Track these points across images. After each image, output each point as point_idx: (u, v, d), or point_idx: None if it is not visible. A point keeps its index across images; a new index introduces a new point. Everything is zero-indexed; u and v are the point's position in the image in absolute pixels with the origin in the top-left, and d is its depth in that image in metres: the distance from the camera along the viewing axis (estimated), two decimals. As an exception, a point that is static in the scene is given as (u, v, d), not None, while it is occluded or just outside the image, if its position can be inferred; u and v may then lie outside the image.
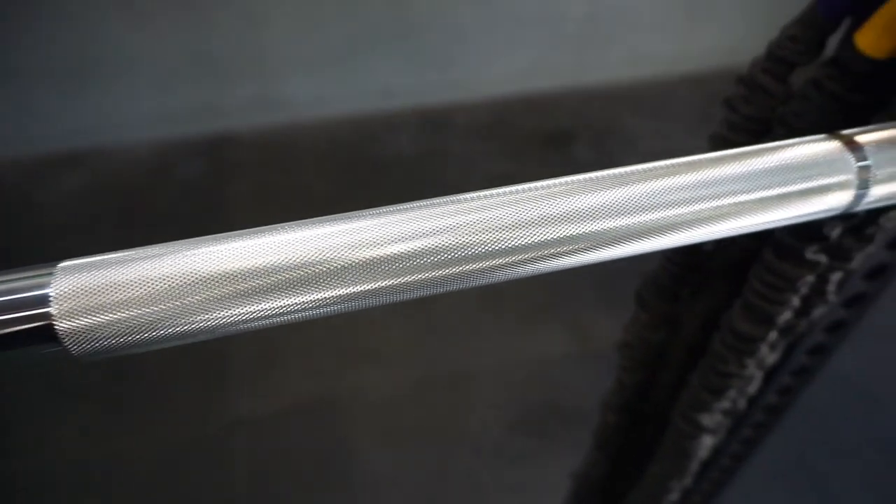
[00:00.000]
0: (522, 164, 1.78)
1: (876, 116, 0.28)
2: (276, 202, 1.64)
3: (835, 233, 0.31)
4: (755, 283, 0.34)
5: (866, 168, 0.22)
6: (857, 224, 0.32)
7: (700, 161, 0.22)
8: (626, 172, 0.21)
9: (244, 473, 1.10)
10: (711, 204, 0.21)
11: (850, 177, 0.22)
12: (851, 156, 0.22)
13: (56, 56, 1.63)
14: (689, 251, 0.40)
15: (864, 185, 0.22)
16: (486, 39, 1.92)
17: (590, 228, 0.20)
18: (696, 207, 0.21)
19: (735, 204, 0.21)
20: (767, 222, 0.23)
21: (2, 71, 1.58)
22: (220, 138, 1.82)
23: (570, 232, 0.20)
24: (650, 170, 0.21)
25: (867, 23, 0.28)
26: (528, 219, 0.20)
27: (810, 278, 0.33)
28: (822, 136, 0.23)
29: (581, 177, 0.21)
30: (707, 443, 0.45)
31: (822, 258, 0.32)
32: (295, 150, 1.82)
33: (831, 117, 0.31)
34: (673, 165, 0.21)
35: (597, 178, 0.21)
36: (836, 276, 0.34)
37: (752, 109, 0.33)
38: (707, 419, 0.42)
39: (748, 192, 0.22)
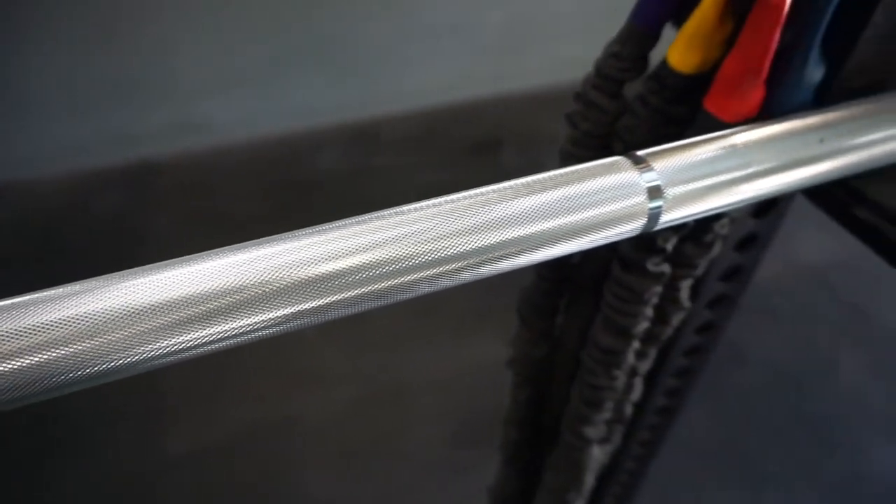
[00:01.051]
0: (451, 173, 1.78)
1: (687, 132, 0.29)
2: (200, 229, 1.60)
3: (670, 244, 0.31)
4: (608, 296, 0.35)
5: (657, 188, 0.22)
6: (692, 233, 0.32)
7: (489, 192, 0.22)
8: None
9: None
10: (495, 237, 0.21)
11: (641, 198, 0.22)
12: (641, 177, 0.22)
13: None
14: (555, 266, 0.40)
15: (656, 205, 0.22)
16: (407, 51, 1.92)
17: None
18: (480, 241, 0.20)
19: (528, 235, 0.21)
20: (568, 249, 0.22)
21: None
22: (138, 167, 1.76)
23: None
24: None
25: (674, 41, 0.28)
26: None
27: (658, 288, 0.33)
28: (616, 157, 0.23)
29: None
30: (597, 453, 0.45)
31: (666, 268, 0.33)
32: (218, 175, 1.78)
33: (660, 130, 0.31)
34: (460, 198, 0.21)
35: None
36: (685, 283, 0.35)
37: (590, 125, 0.33)
38: (591, 431, 0.42)
39: (541, 219, 0.21)
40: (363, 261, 0.20)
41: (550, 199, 0.22)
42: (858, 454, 1.20)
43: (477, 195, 0.22)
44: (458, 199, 0.22)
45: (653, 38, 0.30)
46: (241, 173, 1.75)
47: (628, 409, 0.45)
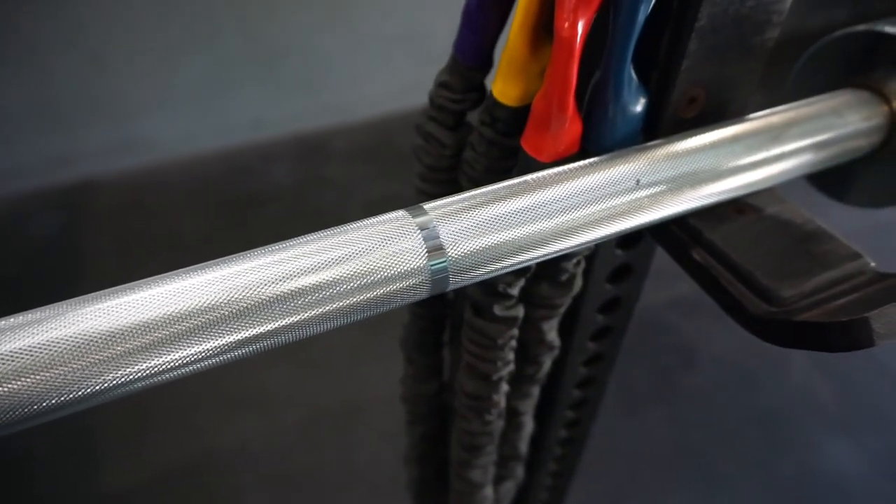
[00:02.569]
0: (403, 183, 1.75)
1: (514, 171, 0.27)
2: (143, 250, 1.55)
3: (514, 289, 0.29)
4: (465, 341, 0.32)
5: (438, 248, 0.20)
6: (544, 273, 0.30)
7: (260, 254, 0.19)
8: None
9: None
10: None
11: (421, 261, 0.20)
12: (421, 234, 0.20)
13: None
14: (427, 304, 0.38)
15: (440, 267, 0.20)
16: (355, 61, 1.89)
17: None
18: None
19: (292, 308, 0.19)
20: (349, 319, 0.20)
21: None
22: (76, 188, 1.70)
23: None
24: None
25: (497, 71, 0.26)
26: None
27: (513, 332, 0.31)
28: (398, 212, 0.20)
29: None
30: (490, 494, 0.42)
31: (518, 311, 0.30)
32: (163, 193, 1.73)
33: (499, 164, 0.29)
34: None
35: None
36: (548, 324, 0.32)
37: (431, 160, 0.31)
38: (476, 475, 0.40)
39: (307, 285, 0.19)
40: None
41: (320, 261, 0.19)
42: (809, 450, 1.20)
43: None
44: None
45: (479, 69, 0.28)
46: (187, 191, 1.71)
47: (522, 447, 0.43)
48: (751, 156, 0.24)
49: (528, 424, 0.41)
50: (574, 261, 0.30)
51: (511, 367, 0.33)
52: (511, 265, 0.21)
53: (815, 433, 1.24)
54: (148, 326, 0.17)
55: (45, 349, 0.16)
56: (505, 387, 0.34)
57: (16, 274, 1.49)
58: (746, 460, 1.20)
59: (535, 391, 0.38)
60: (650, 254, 0.35)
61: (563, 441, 0.47)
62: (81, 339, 0.17)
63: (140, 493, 1.09)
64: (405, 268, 0.20)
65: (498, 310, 0.29)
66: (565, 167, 0.22)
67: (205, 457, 1.16)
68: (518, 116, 0.26)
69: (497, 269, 0.21)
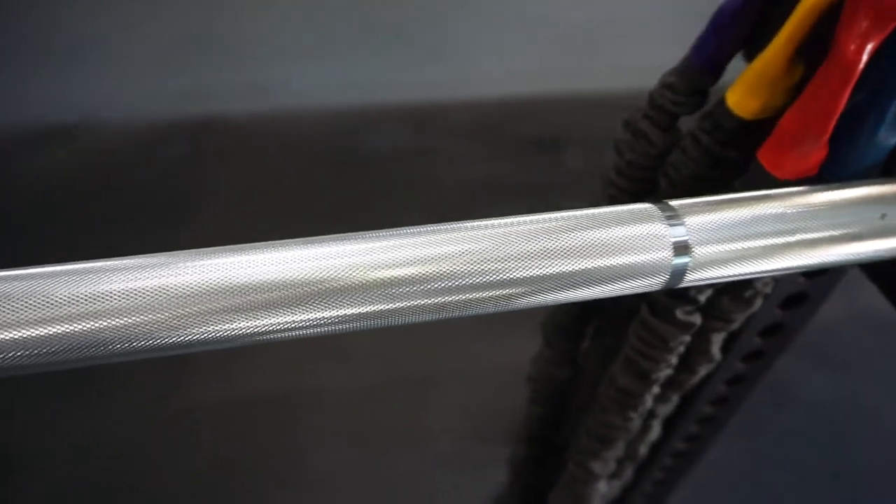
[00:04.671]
0: (508, 167, 1.76)
1: (736, 182, 0.27)
2: (254, 190, 1.63)
3: (703, 296, 0.29)
4: (632, 337, 0.33)
5: (684, 245, 0.21)
6: (730, 286, 0.30)
7: (516, 222, 0.21)
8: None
9: (194, 463, 1.09)
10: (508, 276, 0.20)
11: (666, 254, 0.21)
12: (670, 230, 0.21)
13: (47, 33, 1.62)
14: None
15: (681, 262, 0.21)
16: (479, 40, 1.91)
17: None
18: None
19: (540, 276, 0.20)
20: (583, 296, 0.21)
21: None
22: (200, 123, 1.81)
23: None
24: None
25: (736, 81, 0.26)
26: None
27: (686, 337, 0.31)
28: (647, 205, 0.21)
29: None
30: (603, 488, 0.43)
31: (697, 319, 0.31)
32: (277, 139, 1.81)
33: (706, 173, 0.29)
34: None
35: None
36: (718, 336, 0.32)
37: (635, 156, 0.31)
38: (599, 467, 0.41)
39: (556, 261, 0.20)
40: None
41: (569, 242, 0.21)
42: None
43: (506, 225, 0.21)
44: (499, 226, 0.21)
45: (712, 75, 0.28)
46: (300, 140, 1.78)
47: (643, 450, 0.43)
48: None
49: (656, 430, 0.41)
50: (764, 279, 0.30)
51: (670, 371, 0.33)
52: (746, 273, 0.22)
53: (902, 499, 1.16)
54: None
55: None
56: (657, 389, 0.35)
57: (139, 197, 1.60)
58: (825, 513, 1.15)
59: (676, 399, 0.38)
60: (831, 288, 0.34)
61: (678, 453, 0.47)
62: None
63: (219, 414, 1.15)
64: (647, 259, 0.21)
65: (679, 313, 0.30)
66: (814, 188, 0.22)
67: (283, 393, 1.21)
68: (746, 129, 0.27)
69: (732, 275, 0.22)
